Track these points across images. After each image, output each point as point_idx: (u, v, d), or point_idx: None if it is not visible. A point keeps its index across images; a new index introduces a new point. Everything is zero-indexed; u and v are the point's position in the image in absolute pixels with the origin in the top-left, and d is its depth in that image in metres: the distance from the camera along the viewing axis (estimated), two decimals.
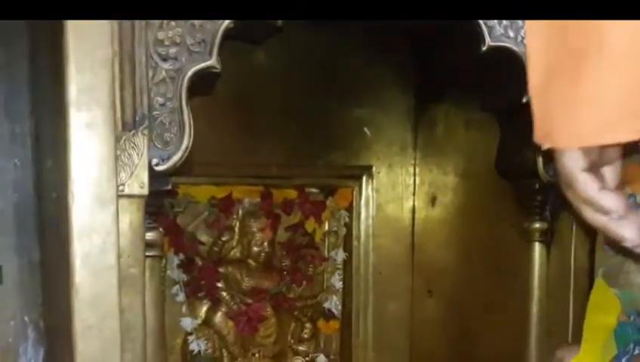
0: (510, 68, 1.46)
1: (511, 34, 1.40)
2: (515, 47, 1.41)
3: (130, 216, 1.16)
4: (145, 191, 1.16)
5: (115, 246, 1.12)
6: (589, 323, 1.17)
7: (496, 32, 1.38)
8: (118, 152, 1.13)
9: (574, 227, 1.52)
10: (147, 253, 1.24)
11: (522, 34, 1.41)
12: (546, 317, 1.60)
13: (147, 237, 1.23)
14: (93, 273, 1.11)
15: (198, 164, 1.51)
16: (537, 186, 1.54)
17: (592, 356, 1.14)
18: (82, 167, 1.10)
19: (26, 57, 1.39)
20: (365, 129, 1.93)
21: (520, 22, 1.40)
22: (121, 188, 1.14)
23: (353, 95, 1.91)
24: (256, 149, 1.84)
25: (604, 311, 1.15)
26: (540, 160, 1.48)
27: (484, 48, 1.39)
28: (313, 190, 1.97)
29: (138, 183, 1.15)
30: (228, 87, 1.74)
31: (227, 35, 1.21)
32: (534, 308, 1.61)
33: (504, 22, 1.39)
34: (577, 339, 1.52)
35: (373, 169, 1.98)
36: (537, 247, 1.59)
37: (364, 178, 1.98)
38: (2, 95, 1.40)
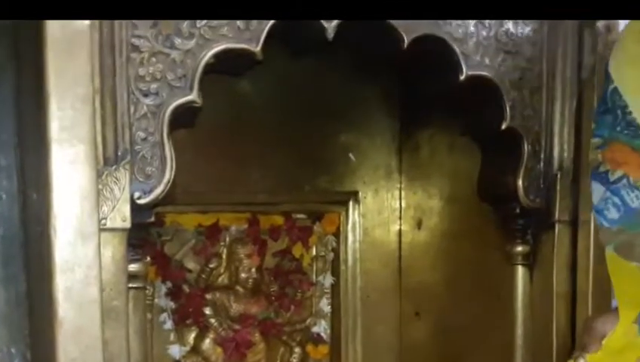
0: (488, 95, 1.49)
1: (487, 61, 1.43)
2: (491, 75, 1.44)
3: (113, 250, 1.18)
4: (127, 224, 1.19)
5: (97, 280, 1.14)
6: (620, 293, 1.24)
7: (472, 61, 1.41)
8: (100, 187, 1.16)
9: (556, 250, 1.54)
10: (131, 285, 1.26)
11: (499, 60, 1.45)
12: (530, 339, 1.62)
13: (131, 269, 1.25)
14: (76, 306, 1.13)
15: (184, 192, 1.54)
16: (518, 210, 1.56)
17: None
18: (64, 202, 1.12)
19: (11, 90, 1.41)
20: (350, 154, 1.95)
21: (494, 49, 1.43)
22: (103, 221, 1.16)
23: (338, 121, 1.93)
24: (242, 177, 1.86)
25: (633, 280, 1.22)
26: (520, 184, 1.51)
27: (462, 77, 1.42)
28: (300, 216, 1.98)
29: (120, 217, 1.18)
30: (213, 115, 1.75)
31: (208, 70, 1.24)
32: (519, 330, 1.63)
33: (480, 50, 1.42)
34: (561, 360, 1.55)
35: (360, 194, 1.99)
36: (520, 270, 1.61)
37: (350, 203, 2.00)
38: None
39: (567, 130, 1.51)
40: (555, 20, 1.47)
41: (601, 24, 1.46)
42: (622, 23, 1.48)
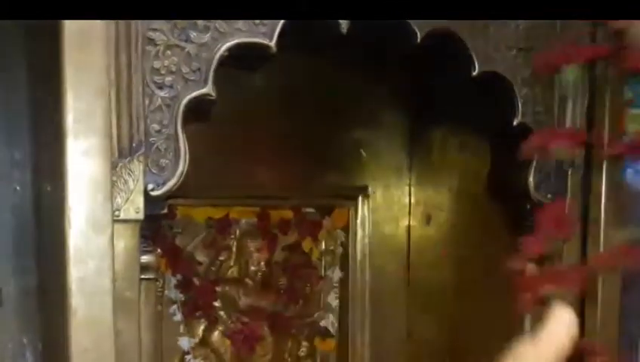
0: (500, 91, 1.49)
1: (500, 57, 1.43)
2: (504, 71, 1.44)
3: (126, 241, 1.18)
4: (140, 216, 1.19)
5: (110, 271, 1.14)
6: None
7: (485, 57, 1.41)
8: (114, 178, 1.16)
9: (565, 246, 1.54)
10: (143, 276, 1.26)
11: (512, 56, 1.45)
12: None
13: (143, 260, 1.26)
14: (88, 297, 1.13)
15: (196, 185, 1.54)
16: (529, 207, 1.56)
17: None
18: (78, 193, 1.13)
19: (25, 84, 1.42)
20: (361, 150, 1.95)
21: (507, 45, 1.43)
22: (116, 213, 1.17)
23: (349, 116, 1.93)
24: (254, 171, 1.86)
25: None
26: (531, 181, 1.51)
27: (474, 73, 1.42)
28: (310, 210, 1.99)
29: (133, 208, 1.18)
30: (225, 109, 1.76)
31: (222, 63, 1.25)
32: (527, 326, 1.63)
33: (491, 45, 1.42)
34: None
35: (369, 189, 2.00)
36: (529, 266, 1.61)
37: (360, 198, 2.00)
38: (2, 121, 1.43)
39: (578, 127, 1.51)
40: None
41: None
42: None
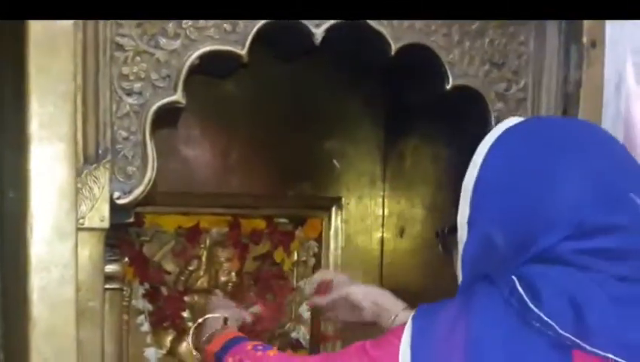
0: (474, 105, 1.49)
1: (473, 72, 1.43)
2: (477, 85, 1.44)
3: (90, 249, 1.16)
4: (105, 224, 1.17)
5: (73, 280, 1.12)
6: None
7: (458, 71, 1.41)
8: (79, 185, 1.14)
9: None
10: (108, 286, 1.24)
11: (485, 71, 1.45)
12: None
13: (108, 270, 1.23)
14: (50, 306, 1.11)
15: (165, 193, 1.52)
16: None
17: None
18: (42, 200, 1.11)
19: None
20: (334, 161, 1.94)
21: (481, 59, 1.43)
22: (81, 221, 1.14)
23: (323, 127, 1.92)
24: (225, 180, 1.85)
25: None
26: None
27: (448, 87, 1.42)
28: (282, 220, 1.97)
29: (98, 216, 1.16)
30: (196, 116, 1.76)
31: (192, 71, 1.23)
32: None
33: (466, 60, 1.42)
34: None
35: (343, 200, 1.99)
36: None
37: (333, 209, 1.99)
38: None
39: None
40: (543, 35, 1.47)
41: (586, 40, 1.46)
42: (607, 39, 1.49)
